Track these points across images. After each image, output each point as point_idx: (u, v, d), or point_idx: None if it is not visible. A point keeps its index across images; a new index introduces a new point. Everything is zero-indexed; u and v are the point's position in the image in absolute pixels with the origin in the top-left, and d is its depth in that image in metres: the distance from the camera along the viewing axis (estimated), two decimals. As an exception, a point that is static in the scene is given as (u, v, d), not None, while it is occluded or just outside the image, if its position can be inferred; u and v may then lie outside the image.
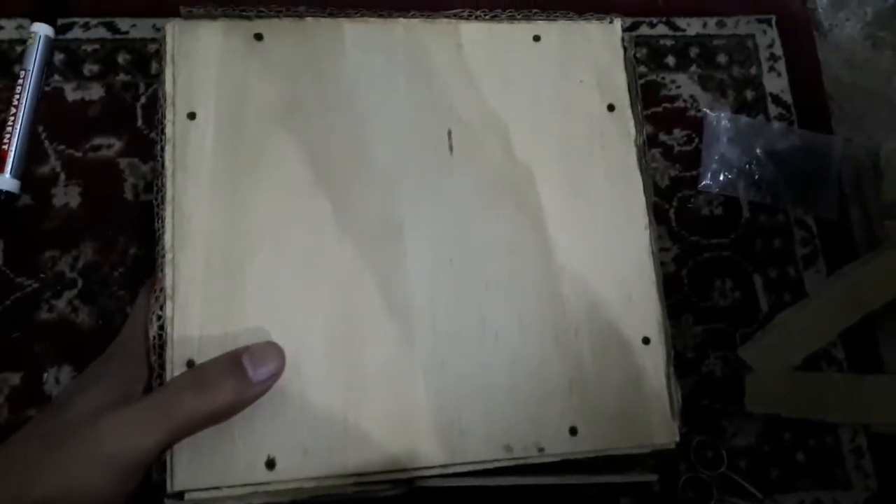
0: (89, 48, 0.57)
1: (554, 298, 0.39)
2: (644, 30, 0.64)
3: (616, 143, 0.42)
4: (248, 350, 0.35)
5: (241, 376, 0.34)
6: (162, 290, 0.35)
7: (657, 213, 0.55)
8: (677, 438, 0.39)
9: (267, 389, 0.35)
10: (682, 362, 0.55)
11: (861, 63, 0.66)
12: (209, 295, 0.36)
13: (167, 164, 0.37)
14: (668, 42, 0.64)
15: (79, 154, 0.54)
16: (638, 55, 0.43)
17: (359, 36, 0.41)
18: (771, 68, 0.64)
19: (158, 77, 0.55)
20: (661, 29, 0.64)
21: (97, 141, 0.55)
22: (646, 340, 0.39)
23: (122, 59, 0.57)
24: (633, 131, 0.42)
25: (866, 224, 0.61)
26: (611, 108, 0.42)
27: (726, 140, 0.61)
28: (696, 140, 0.61)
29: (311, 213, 0.38)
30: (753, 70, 0.64)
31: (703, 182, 0.60)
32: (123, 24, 0.58)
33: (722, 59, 0.64)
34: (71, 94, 0.56)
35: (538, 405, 0.38)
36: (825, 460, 0.54)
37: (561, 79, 0.42)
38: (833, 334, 0.57)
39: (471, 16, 0.43)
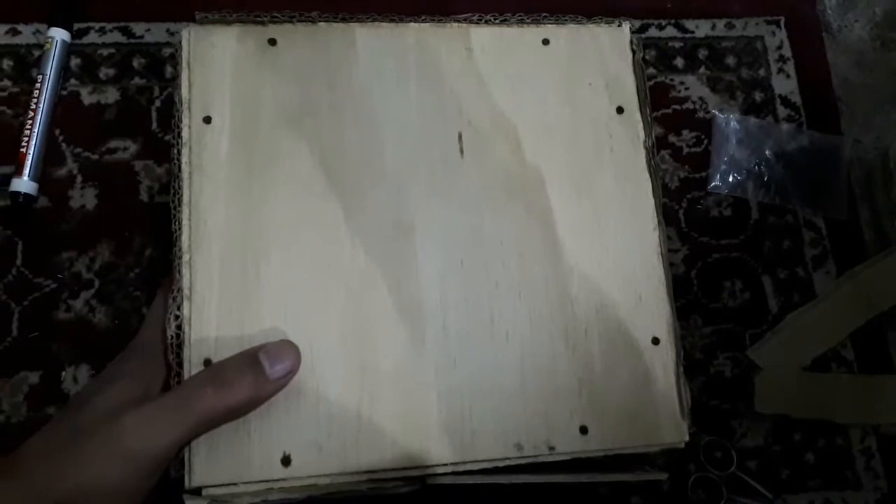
0: (105, 52, 0.58)
1: (563, 299, 0.40)
2: (653, 32, 0.64)
3: (625, 146, 0.42)
4: (264, 347, 0.36)
5: (259, 372, 0.35)
6: (179, 290, 0.36)
7: (666, 214, 0.56)
8: (686, 438, 0.39)
9: (283, 386, 0.35)
10: (691, 363, 0.55)
11: (870, 64, 0.66)
12: (225, 295, 0.37)
13: (184, 166, 0.38)
14: (677, 44, 0.64)
15: (95, 156, 0.55)
16: (647, 57, 0.43)
17: (371, 41, 0.42)
18: (780, 70, 0.65)
19: (173, 81, 0.56)
20: (670, 31, 0.65)
21: (113, 143, 0.56)
22: (655, 340, 0.40)
23: (136, 63, 0.58)
24: (641, 134, 0.43)
25: (876, 225, 0.61)
26: (620, 110, 0.43)
27: (735, 141, 0.62)
28: (706, 141, 0.62)
29: (324, 214, 0.39)
30: (762, 72, 0.64)
31: (713, 183, 0.60)
32: (138, 28, 0.59)
33: (731, 60, 0.64)
34: (87, 97, 0.57)
35: (548, 404, 0.38)
36: (835, 461, 0.54)
37: (570, 82, 0.43)
38: (843, 335, 0.57)
39: (481, 20, 0.43)
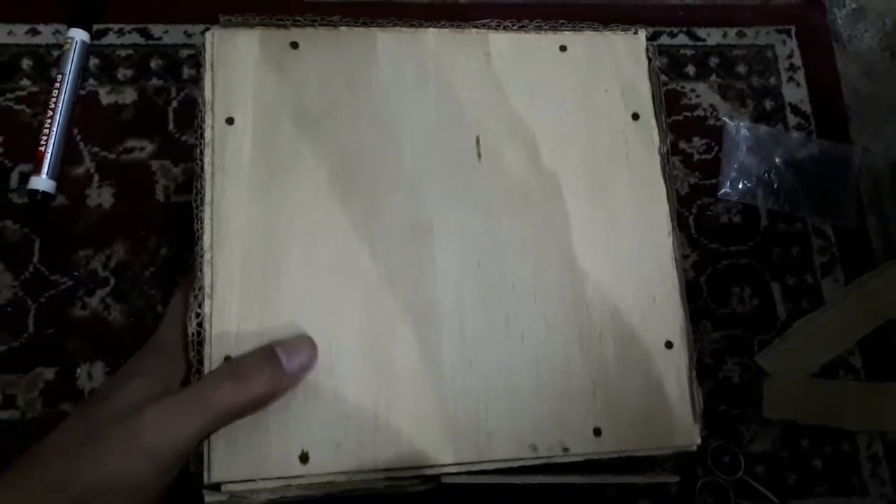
0: (123, 53, 0.58)
1: (578, 302, 0.40)
2: (664, 39, 0.65)
3: (640, 152, 0.43)
4: (281, 342, 0.36)
5: (276, 366, 0.35)
6: (201, 288, 0.36)
7: (677, 220, 0.56)
8: (699, 441, 0.39)
9: (300, 380, 0.36)
10: (700, 367, 0.55)
11: (880, 74, 0.67)
12: (246, 294, 0.37)
13: (206, 167, 0.38)
14: (688, 51, 0.65)
15: (112, 156, 0.56)
16: (658, 64, 0.44)
17: (391, 45, 0.42)
18: (790, 78, 0.65)
19: (191, 82, 0.57)
20: (682, 38, 0.65)
21: (130, 143, 0.56)
22: (669, 344, 0.40)
23: (154, 64, 0.58)
24: (657, 140, 0.43)
25: (884, 233, 0.62)
26: (635, 116, 0.43)
27: (745, 149, 0.62)
28: (716, 148, 0.62)
29: (343, 215, 0.39)
30: (773, 80, 0.65)
31: (723, 190, 0.61)
32: (156, 30, 0.59)
33: (741, 68, 0.65)
34: (105, 97, 0.57)
35: (563, 406, 0.39)
36: (842, 467, 0.55)
37: (586, 88, 0.43)
38: (850, 342, 0.58)
39: (499, 26, 0.44)
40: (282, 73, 0.41)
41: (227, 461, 0.35)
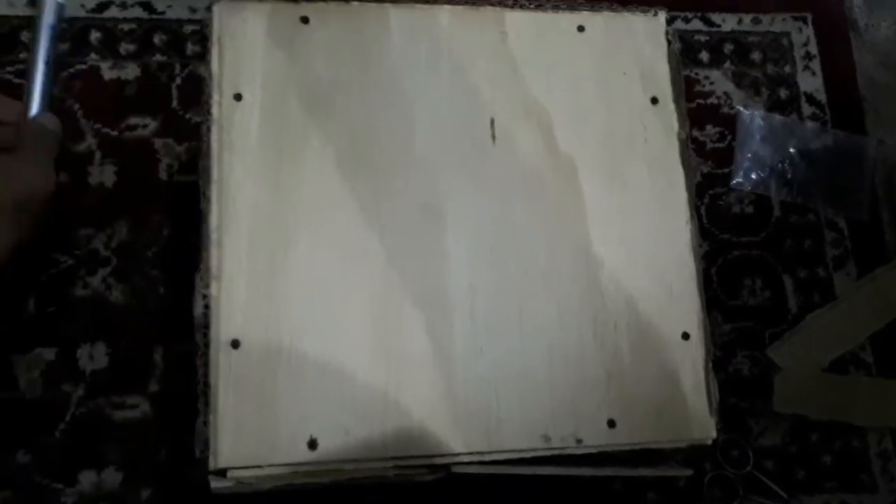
0: (126, 27, 0.57)
1: (593, 290, 0.39)
2: (679, 24, 0.63)
3: (659, 137, 0.42)
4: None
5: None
6: (207, 270, 0.35)
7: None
8: (714, 435, 0.39)
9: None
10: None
11: (896, 64, 0.66)
12: (253, 275, 0.36)
13: (213, 144, 0.37)
14: (703, 37, 0.64)
15: (114, 133, 0.54)
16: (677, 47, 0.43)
17: (404, 21, 0.41)
18: (805, 67, 0.64)
19: (201, 59, 0.56)
20: (696, 24, 0.64)
21: (132, 120, 0.55)
22: (685, 335, 0.39)
23: (158, 39, 0.57)
24: (676, 125, 0.42)
25: (898, 227, 0.61)
26: (654, 100, 0.42)
27: (759, 138, 0.61)
28: (729, 137, 0.61)
29: (353, 195, 0.38)
30: (788, 68, 0.64)
31: (735, 180, 0.60)
32: (160, 4, 0.58)
33: (756, 56, 0.64)
34: (107, 72, 0.56)
35: (576, 396, 0.38)
36: (851, 463, 0.54)
37: (604, 70, 0.42)
38: (862, 337, 0.57)
39: (515, 4, 0.43)
40: (291, 49, 0.39)
41: (234, 447, 0.34)
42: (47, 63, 0.48)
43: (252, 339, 0.35)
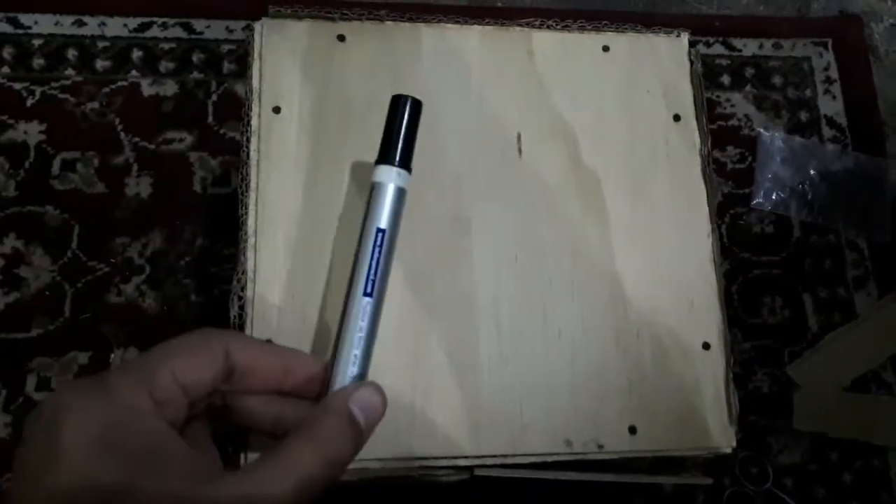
0: (166, 46, 0.59)
1: (616, 300, 0.40)
2: (700, 49, 0.64)
3: (681, 153, 0.43)
4: (354, 398, 0.31)
5: (357, 433, 0.30)
6: (244, 272, 0.37)
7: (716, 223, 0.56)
8: (734, 444, 0.39)
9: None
10: (731, 375, 0.55)
11: (916, 89, 0.66)
12: (288, 279, 0.37)
13: (252, 154, 0.39)
14: (724, 61, 0.65)
15: (152, 146, 0.57)
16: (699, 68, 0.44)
17: (436, 40, 0.43)
18: (826, 91, 0.65)
19: (237, 77, 0.58)
20: (718, 48, 0.65)
21: (169, 135, 0.57)
22: (706, 346, 0.40)
23: (196, 58, 0.59)
24: (698, 141, 0.43)
25: (919, 248, 0.61)
26: (676, 118, 0.43)
27: (780, 160, 0.62)
28: (750, 158, 0.62)
29: (384, 206, 0.39)
30: (808, 92, 0.65)
31: (756, 200, 0.61)
32: (199, 24, 0.60)
33: (777, 79, 0.65)
34: (147, 89, 0.58)
35: (598, 403, 0.38)
36: (872, 482, 0.54)
37: (628, 88, 0.44)
38: (883, 357, 0.57)
39: (542, 25, 0.44)
40: (328, 65, 0.41)
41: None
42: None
43: (285, 341, 0.36)
